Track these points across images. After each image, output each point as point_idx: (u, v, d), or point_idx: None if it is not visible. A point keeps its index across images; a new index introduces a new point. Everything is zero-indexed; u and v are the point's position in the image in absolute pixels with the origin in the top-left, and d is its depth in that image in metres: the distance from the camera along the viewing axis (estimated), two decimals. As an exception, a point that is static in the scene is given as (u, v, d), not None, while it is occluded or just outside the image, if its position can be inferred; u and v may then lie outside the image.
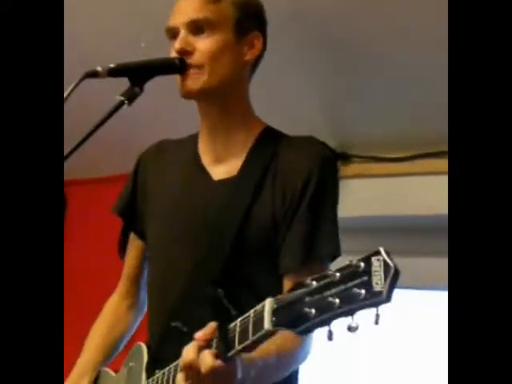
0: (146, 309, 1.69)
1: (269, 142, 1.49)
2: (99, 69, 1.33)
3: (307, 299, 1.00)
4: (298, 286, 1.04)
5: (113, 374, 1.56)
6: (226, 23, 1.44)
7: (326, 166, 1.44)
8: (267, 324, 1.07)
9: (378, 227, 2.38)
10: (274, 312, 1.07)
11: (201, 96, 1.45)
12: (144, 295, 1.68)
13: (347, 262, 0.98)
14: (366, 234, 2.26)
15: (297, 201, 1.41)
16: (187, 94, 1.45)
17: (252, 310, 1.13)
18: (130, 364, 1.47)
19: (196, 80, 1.42)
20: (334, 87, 2.19)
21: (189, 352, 1.18)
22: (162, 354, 1.39)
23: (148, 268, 1.61)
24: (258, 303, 1.30)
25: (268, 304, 1.08)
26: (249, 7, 1.49)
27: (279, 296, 1.07)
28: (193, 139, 1.57)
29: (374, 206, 2.29)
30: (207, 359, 1.15)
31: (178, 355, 1.27)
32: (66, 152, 1.24)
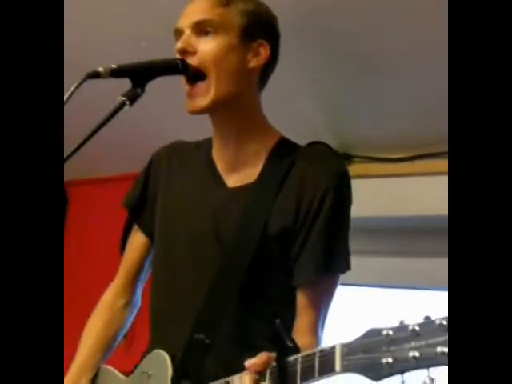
0: (139, 305, 1.68)
1: (285, 152, 1.48)
2: (101, 69, 1.33)
3: (384, 348, 1.01)
4: (372, 332, 1.04)
5: (120, 376, 1.53)
6: (232, 28, 1.43)
7: (342, 181, 1.44)
8: (338, 367, 1.07)
9: (378, 227, 2.38)
10: (345, 356, 1.06)
11: (208, 111, 1.45)
12: (140, 292, 1.67)
13: (426, 317, 1.00)
14: (365, 234, 2.26)
15: (313, 214, 1.40)
16: (195, 111, 1.44)
17: (318, 349, 1.12)
18: (150, 372, 1.42)
19: (203, 96, 1.41)
20: (334, 87, 2.19)
21: (245, 382, 1.19)
22: (185, 365, 1.37)
23: (152, 272, 1.60)
24: (272, 315, 1.31)
25: (339, 347, 1.08)
26: (258, 16, 1.47)
27: (350, 341, 1.07)
28: (208, 143, 1.56)
29: (373, 206, 2.29)
30: None
31: (200, 367, 1.31)
32: (67, 153, 1.24)
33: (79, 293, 2.62)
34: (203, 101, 1.42)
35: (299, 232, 1.41)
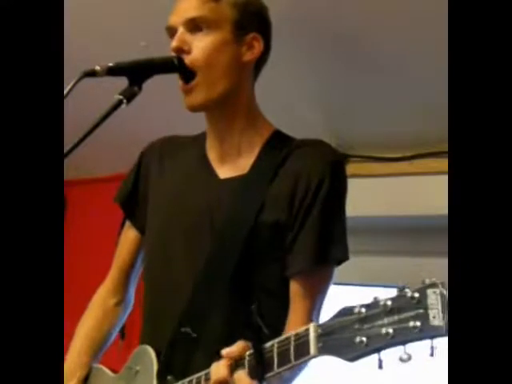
0: (132, 303, 1.67)
1: (279, 144, 1.48)
2: (97, 68, 1.33)
3: (357, 326, 0.99)
4: (344, 310, 1.02)
5: (110, 373, 1.53)
6: (225, 23, 1.43)
7: (337, 171, 1.44)
8: (313, 350, 1.05)
9: (378, 227, 2.38)
10: (320, 337, 1.05)
11: (206, 107, 1.46)
12: (133, 290, 1.66)
13: (399, 291, 0.97)
14: (365, 234, 2.26)
15: (308, 204, 1.40)
16: (193, 108, 1.44)
17: (292, 333, 1.11)
18: (137, 368, 1.42)
19: (198, 92, 1.42)
20: (333, 87, 2.19)
21: (220, 369, 1.19)
22: (171, 359, 1.37)
23: (145, 266, 1.59)
24: (265, 307, 1.30)
25: (312, 329, 1.06)
26: (249, 8, 1.47)
27: (324, 321, 1.05)
28: (202, 137, 1.56)
29: (373, 205, 2.29)
30: (244, 380, 1.15)
31: (186, 361, 1.30)
32: (64, 151, 1.24)
33: (78, 292, 2.61)
34: (199, 98, 1.42)
35: (294, 222, 1.40)
